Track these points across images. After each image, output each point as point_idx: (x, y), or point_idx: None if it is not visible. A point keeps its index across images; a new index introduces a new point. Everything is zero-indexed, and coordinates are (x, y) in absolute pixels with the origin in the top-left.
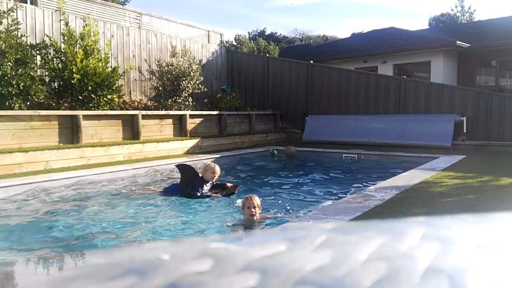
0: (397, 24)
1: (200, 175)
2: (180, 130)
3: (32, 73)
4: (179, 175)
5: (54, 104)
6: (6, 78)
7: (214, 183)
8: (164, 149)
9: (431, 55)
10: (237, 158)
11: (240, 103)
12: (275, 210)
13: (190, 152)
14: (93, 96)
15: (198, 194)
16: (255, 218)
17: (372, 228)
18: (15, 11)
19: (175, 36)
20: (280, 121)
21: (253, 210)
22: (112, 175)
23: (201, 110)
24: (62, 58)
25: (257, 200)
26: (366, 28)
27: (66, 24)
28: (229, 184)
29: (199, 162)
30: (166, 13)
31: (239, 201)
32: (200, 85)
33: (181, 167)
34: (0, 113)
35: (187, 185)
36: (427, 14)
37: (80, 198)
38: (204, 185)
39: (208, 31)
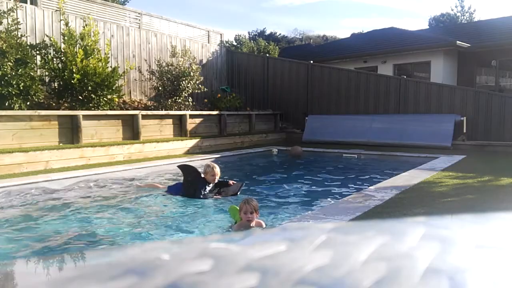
0: (397, 24)
1: (202, 175)
2: (180, 130)
3: (32, 73)
4: (179, 175)
5: (54, 104)
6: (6, 78)
7: (217, 181)
8: (164, 149)
9: (431, 55)
10: (237, 158)
11: (240, 103)
12: (272, 218)
13: (190, 152)
14: (93, 96)
15: (201, 195)
16: (251, 224)
17: (372, 228)
18: (15, 11)
19: (175, 36)
20: (280, 121)
21: (249, 215)
22: (113, 175)
23: (201, 110)
24: (62, 58)
25: (254, 204)
26: (366, 28)
27: (66, 24)
28: (231, 182)
29: (199, 162)
30: (166, 13)
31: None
32: (200, 85)
33: (183, 168)
34: (0, 113)
35: (190, 185)
36: (427, 14)
37: (80, 198)
38: (207, 186)
39: (208, 31)
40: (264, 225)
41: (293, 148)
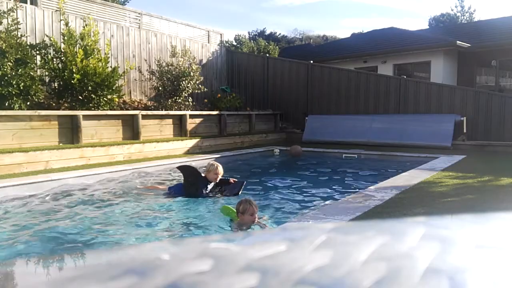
0: (397, 24)
1: (202, 175)
2: (180, 130)
3: (32, 73)
4: (180, 175)
5: (54, 104)
6: (6, 78)
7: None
8: (164, 149)
9: (431, 55)
10: (237, 158)
11: (240, 103)
12: (268, 216)
13: (190, 152)
14: (93, 96)
15: (203, 194)
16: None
17: (372, 228)
18: (15, 11)
19: (175, 36)
20: (280, 121)
21: (255, 215)
22: (113, 175)
23: (201, 110)
24: (62, 58)
25: (256, 204)
26: (366, 28)
27: (66, 24)
28: (232, 180)
29: (199, 162)
30: (166, 13)
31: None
32: (200, 85)
33: (183, 169)
34: (0, 113)
35: (191, 185)
36: (427, 14)
37: (80, 198)
38: (208, 185)
39: (208, 31)
40: (265, 222)
41: (293, 147)
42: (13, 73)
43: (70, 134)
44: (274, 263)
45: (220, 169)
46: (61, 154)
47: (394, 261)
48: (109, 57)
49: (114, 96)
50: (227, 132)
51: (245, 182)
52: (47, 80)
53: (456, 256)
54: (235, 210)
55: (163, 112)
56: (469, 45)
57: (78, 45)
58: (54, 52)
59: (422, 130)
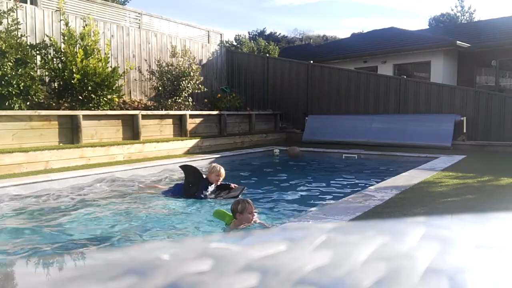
0: (397, 24)
1: (204, 176)
2: (180, 130)
3: (32, 73)
4: (179, 175)
5: (54, 104)
6: (6, 78)
7: (219, 184)
8: (164, 149)
9: (431, 55)
10: (237, 158)
11: (240, 103)
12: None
13: (190, 152)
14: (93, 96)
15: (202, 196)
16: (253, 221)
17: (372, 228)
18: (15, 11)
19: (175, 36)
20: (280, 121)
21: (253, 213)
22: (113, 175)
23: (201, 110)
24: (62, 58)
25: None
26: (366, 28)
27: (66, 24)
28: (233, 185)
29: (199, 162)
30: (166, 13)
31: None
32: (200, 85)
33: (185, 168)
34: (0, 113)
35: (191, 186)
36: (427, 14)
37: (80, 198)
38: (208, 187)
39: (208, 31)
40: (265, 223)
41: (291, 148)
42: (13, 73)
43: (70, 134)
44: (274, 263)
45: (222, 171)
46: (61, 154)
47: (394, 261)
48: (109, 57)
49: (114, 96)
50: (227, 132)
51: (245, 188)
52: (47, 80)
53: (456, 256)
54: (228, 213)
55: (163, 112)
56: (469, 45)
57: (78, 45)
58: (54, 52)
59: (422, 130)
